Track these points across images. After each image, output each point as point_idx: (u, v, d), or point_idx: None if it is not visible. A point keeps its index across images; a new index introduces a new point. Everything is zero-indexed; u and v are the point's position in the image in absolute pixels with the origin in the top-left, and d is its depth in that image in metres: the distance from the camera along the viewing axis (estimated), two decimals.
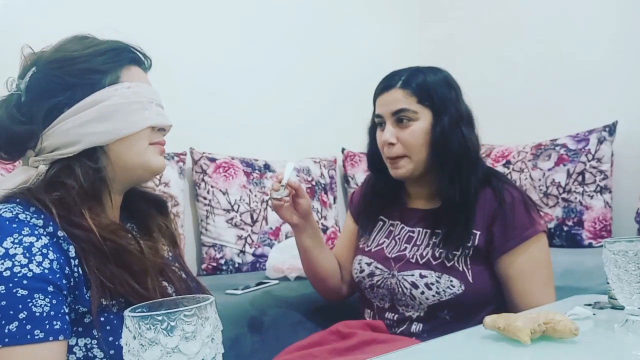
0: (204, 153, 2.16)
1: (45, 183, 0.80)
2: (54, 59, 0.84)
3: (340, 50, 2.70)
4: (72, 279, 0.75)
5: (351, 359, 1.12)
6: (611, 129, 2.15)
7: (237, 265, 2.08)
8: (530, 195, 2.24)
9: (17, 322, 0.68)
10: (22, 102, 0.84)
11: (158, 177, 1.97)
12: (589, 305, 1.06)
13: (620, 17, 2.28)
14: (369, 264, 1.35)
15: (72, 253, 0.76)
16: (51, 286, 0.72)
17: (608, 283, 0.95)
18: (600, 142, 2.14)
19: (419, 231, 1.32)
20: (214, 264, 2.07)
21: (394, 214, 1.39)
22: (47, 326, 0.70)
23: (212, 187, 2.11)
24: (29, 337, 0.69)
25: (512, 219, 1.24)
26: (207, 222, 2.10)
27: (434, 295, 1.22)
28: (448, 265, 1.24)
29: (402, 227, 1.36)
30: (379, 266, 1.32)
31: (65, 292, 0.74)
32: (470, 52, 2.77)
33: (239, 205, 2.12)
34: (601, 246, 0.93)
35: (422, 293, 1.23)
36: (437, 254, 1.25)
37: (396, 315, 1.28)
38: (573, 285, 1.59)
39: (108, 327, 0.76)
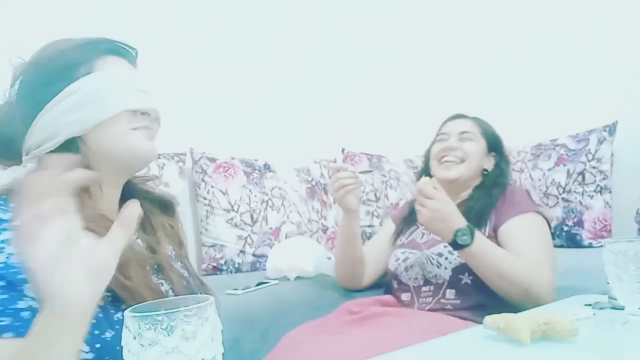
0: (204, 153, 2.16)
1: None
2: (33, 62, 0.86)
3: (341, 50, 2.70)
4: None
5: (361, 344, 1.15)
6: (611, 129, 2.15)
7: (237, 265, 2.08)
8: (530, 195, 2.24)
9: None
10: (14, 109, 0.85)
11: (158, 177, 1.97)
12: (589, 305, 1.07)
13: (620, 17, 2.28)
14: (403, 252, 1.53)
15: None
16: (3, 281, 0.69)
17: (608, 283, 0.95)
18: (600, 142, 2.14)
19: None
20: (214, 264, 2.07)
21: None
22: None
23: (212, 187, 2.11)
24: None
25: (511, 198, 1.49)
26: (207, 222, 2.10)
27: (455, 259, 1.40)
28: None
29: None
30: (412, 251, 1.51)
31: (22, 288, 0.71)
32: (469, 51, 2.77)
33: (239, 205, 2.12)
34: (601, 246, 0.93)
35: (446, 258, 1.42)
36: None
37: (431, 287, 1.44)
38: (573, 285, 1.59)
39: (94, 320, 0.74)
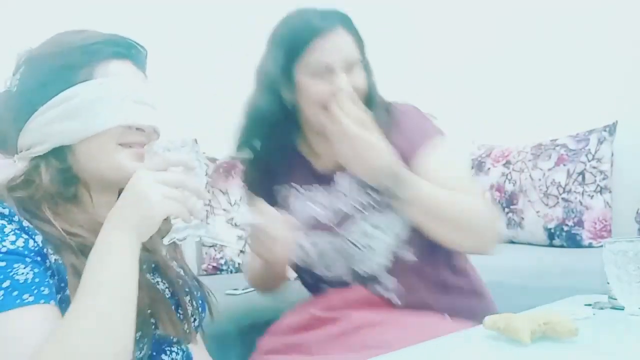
0: (204, 153, 2.16)
1: (20, 181, 0.80)
2: (35, 56, 0.84)
3: None
4: (48, 262, 0.73)
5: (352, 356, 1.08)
6: (611, 129, 2.15)
7: (237, 265, 2.08)
8: (530, 195, 2.24)
9: (2, 291, 0.66)
10: (12, 101, 0.84)
11: None
12: (589, 305, 1.06)
13: (620, 17, 2.28)
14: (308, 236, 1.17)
15: (40, 243, 0.74)
16: (28, 258, 0.70)
17: (608, 283, 0.95)
18: (600, 142, 2.14)
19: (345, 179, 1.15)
20: (214, 264, 2.07)
21: (307, 178, 1.19)
22: (35, 291, 0.68)
23: (212, 187, 2.11)
24: (18, 301, 0.66)
25: (406, 122, 1.16)
26: (207, 222, 2.10)
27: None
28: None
29: (320, 189, 1.17)
30: (320, 234, 1.16)
31: (45, 266, 0.72)
32: (469, 52, 2.77)
33: (239, 205, 2.12)
34: (601, 246, 0.93)
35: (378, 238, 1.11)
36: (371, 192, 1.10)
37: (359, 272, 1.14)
38: (573, 285, 1.59)
39: None
